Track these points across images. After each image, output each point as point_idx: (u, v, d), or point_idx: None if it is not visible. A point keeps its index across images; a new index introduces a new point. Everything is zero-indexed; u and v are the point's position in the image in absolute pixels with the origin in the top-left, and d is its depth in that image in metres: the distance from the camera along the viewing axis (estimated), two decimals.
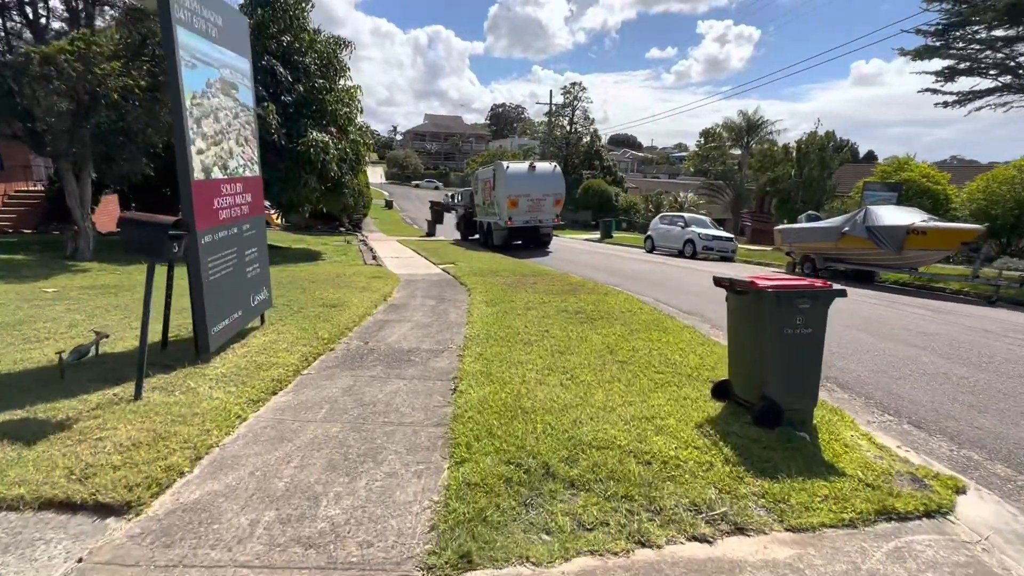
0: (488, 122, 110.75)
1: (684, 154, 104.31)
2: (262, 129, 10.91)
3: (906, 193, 17.61)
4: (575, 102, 46.05)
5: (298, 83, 11.81)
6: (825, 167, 20.66)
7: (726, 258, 18.24)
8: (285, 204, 13.66)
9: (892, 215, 11.86)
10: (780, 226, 15.47)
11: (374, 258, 13.88)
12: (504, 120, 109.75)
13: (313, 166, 11.57)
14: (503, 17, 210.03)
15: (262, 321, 5.73)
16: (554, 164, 19.68)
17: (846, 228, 12.30)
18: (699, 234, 18.11)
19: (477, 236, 21.60)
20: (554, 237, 32.74)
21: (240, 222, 4.73)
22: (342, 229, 22.94)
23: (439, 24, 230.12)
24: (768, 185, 22.40)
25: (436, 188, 67.77)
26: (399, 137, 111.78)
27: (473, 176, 22.67)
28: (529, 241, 19.35)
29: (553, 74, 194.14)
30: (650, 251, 20.89)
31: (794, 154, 21.64)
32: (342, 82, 13.10)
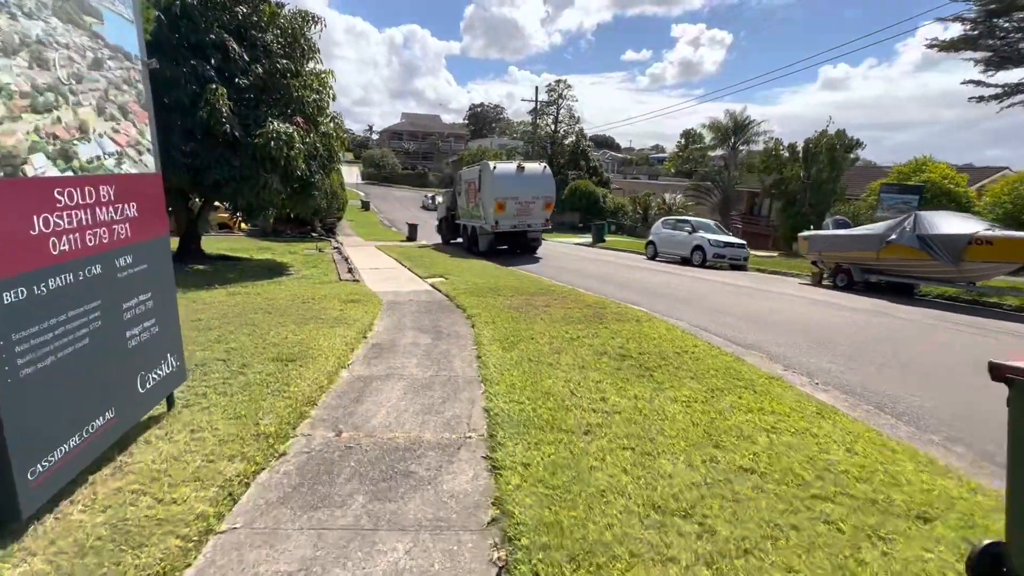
0: (467, 122, 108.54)
1: (663, 155, 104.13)
2: (210, 118, 8.92)
3: (927, 195, 16.42)
4: (560, 100, 44.51)
5: (256, 63, 9.79)
6: (835, 168, 19.40)
7: (737, 266, 16.77)
8: (244, 209, 11.61)
9: (948, 223, 10.46)
10: (807, 232, 14.05)
11: (350, 271, 11.93)
12: (483, 120, 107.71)
13: (275, 163, 9.57)
14: (479, 17, 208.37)
15: (169, 406, 3.68)
16: (543, 165, 18.55)
17: (892, 236, 10.86)
18: (709, 240, 16.59)
19: (460, 240, 20.29)
20: (543, 241, 31.16)
21: (107, 255, 2.80)
22: (314, 234, 20.79)
23: (415, 23, 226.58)
24: (773, 187, 21.05)
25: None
26: (375, 137, 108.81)
27: (456, 176, 21.71)
28: (516, 247, 18.16)
29: (530, 75, 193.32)
30: (652, 258, 19.33)
31: (801, 154, 20.29)
32: (311, 65, 11.11)
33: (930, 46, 15.58)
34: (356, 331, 6.18)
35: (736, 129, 45.54)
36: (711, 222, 18.33)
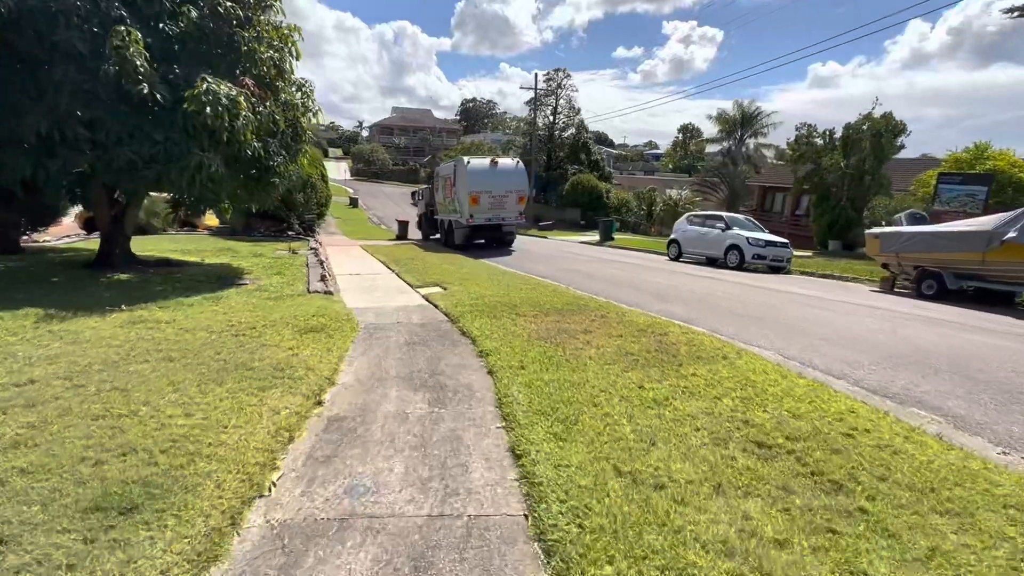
0: (458, 117, 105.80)
1: (657, 152, 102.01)
2: (120, 73, 6.45)
3: (996, 185, 14.26)
4: (559, 90, 42.06)
5: (190, 4, 7.30)
6: (881, 157, 17.18)
7: (777, 268, 14.50)
8: (185, 201, 9.12)
9: None
10: (879, 230, 11.78)
11: (323, 279, 9.49)
12: (475, 116, 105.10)
13: (215, 137, 7.11)
14: (470, 13, 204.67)
15: None
16: (517, 160, 18.91)
17: (1011, 234, 8.62)
18: (748, 239, 14.29)
19: (439, 236, 20.39)
20: (546, 239, 28.81)
21: None
22: (290, 233, 18.27)
23: (405, 19, 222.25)
24: (808, 179, 18.80)
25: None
26: (365, 133, 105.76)
27: (435, 172, 21.79)
28: (492, 240, 18.32)
29: (521, 71, 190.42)
30: (675, 258, 17.02)
31: (840, 142, 18.05)
32: (269, 16, 8.63)
33: (1008, 10, 13.47)
34: (305, 393, 3.77)
35: (744, 121, 43.42)
36: (745, 217, 16.06)
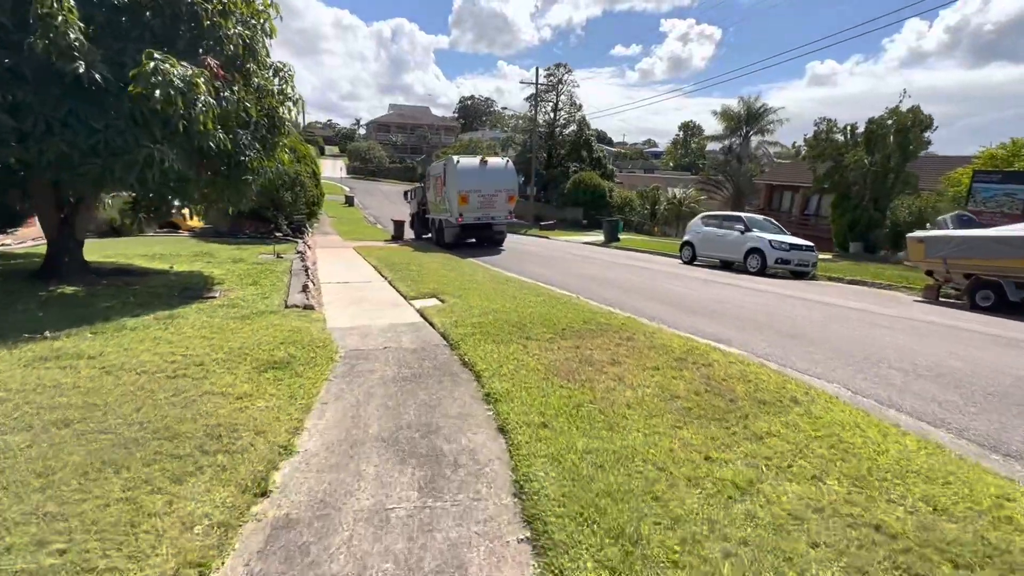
0: (456, 115, 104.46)
1: (656, 150, 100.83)
2: (50, 48, 5.34)
3: None
4: (559, 85, 40.87)
5: None
6: (907, 153, 16.10)
7: (801, 274, 13.42)
8: (138, 200, 8.02)
9: None
10: (922, 233, 10.69)
11: (304, 289, 8.36)
12: (473, 113, 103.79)
13: (170, 127, 5.99)
14: (468, 11, 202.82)
15: None
16: (507, 159, 19.12)
17: None
18: (770, 241, 13.20)
19: (430, 235, 20.62)
20: (548, 240, 27.69)
21: None
22: (277, 235, 17.12)
23: (403, 17, 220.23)
24: (827, 177, 17.73)
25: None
26: (362, 131, 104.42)
27: (426, 171, 22.07)
28: (482, 239, 18.53)
29: (519, 69, 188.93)
30: (689, 261, 15.94)
31: (863, 137, 16.97)
32: None
33: None
34: (243, 480, 2.65)
35: (749, 117, 42.35)
36: (764, 218, 14.98)
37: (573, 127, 41.32)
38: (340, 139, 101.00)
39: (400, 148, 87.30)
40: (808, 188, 32.96)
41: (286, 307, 7.27)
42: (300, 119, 8.48)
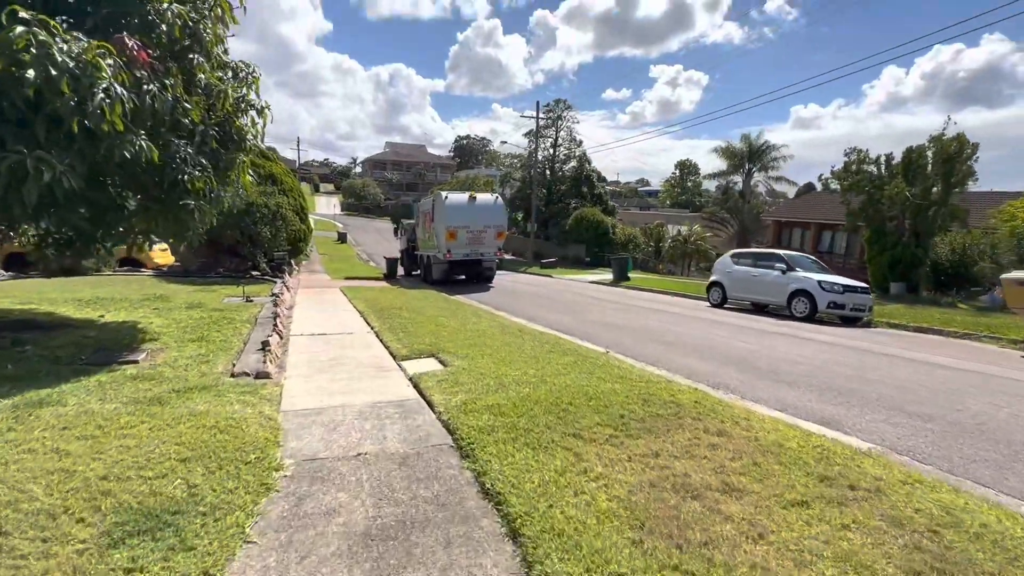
0: (452, 154, 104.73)
1: (649, 189, 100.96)
2: None
3: None
4: (559, 122, 40.09)
5: None
6: (953, 184, 14.65)
7: (854, 319, 11.63)
8: (45, 235, 6.18)
9: None
10: (1020, 274, 9.00)
11: (265, 347, 6.42)
12: (468, 152, 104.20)
13: (59, 124, 4.20)
14: (464, 57, 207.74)
15: None
16: (496, 195, 18.94)
17: None
18: (820, 282, 11.45)
19: (419, 272, 20.27)
20: (551, 278, 25.95)
21: None
22: (255, 273, 15.23)
23: (400, 62, 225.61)
24: (862, 211, 16.21)
25: None
26: (358, 169, 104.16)
27: (415, 208, 22.19)
28: (472, 276, 18.16)
29: (513, 112, 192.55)
30: (718, 304, 14.14)
31: (900, 168, 15.55)
32: None
33: None
34: None
35: (751, 154, 41.66)
36: (804, 256, 13.30)
37: (573, 163, 40.37)
38: (336, 176, 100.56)
39: (396, 186, 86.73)
40: (822, 224, 31.75)
41: (231, 376, 5.33)
42: (262, 131, 6.68)
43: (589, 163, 39.52)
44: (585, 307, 13.28)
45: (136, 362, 5.51)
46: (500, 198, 18.62)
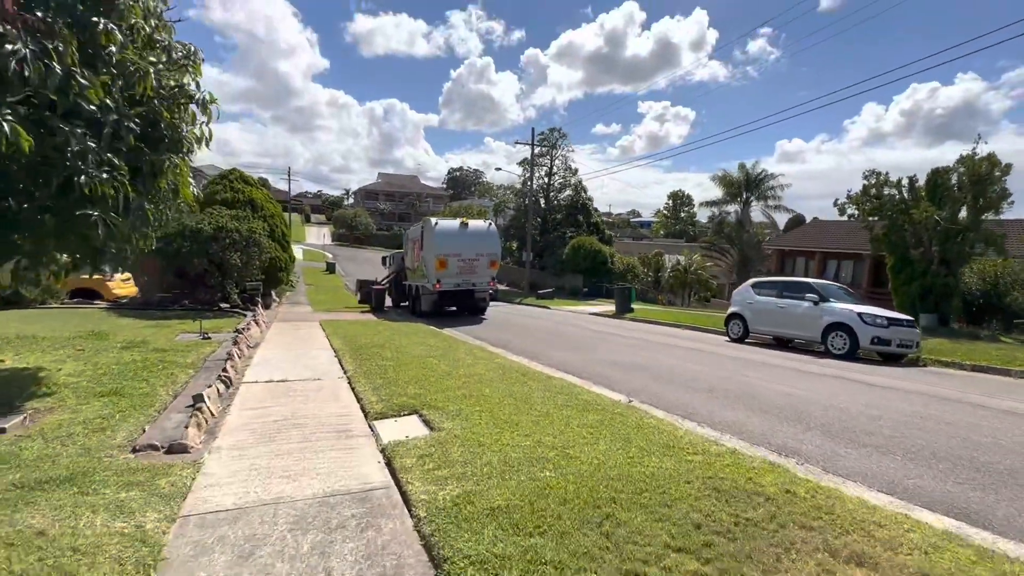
0: (445, 186, 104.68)
1: (640, 220, 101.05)
2: None
3: None
4: (553, 151, 39.44)
5: None
6: (983, 206, 13.59)
7: (895, 356, 10.28)
8: None
9: None
10: None
11: (198, 403, 4.92)
12: (461, 184, 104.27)
13: None
14: (457, 93, 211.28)
15: None
16: (489, 222, 18.00)
17: None
18: (861, 315, 10.12)
19: (408, 304, 19.09)
20: (548, 310, 24.55)
21: None
22: (224, 305, 13.71)
23: (394, 97, 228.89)
24: (885, 237, 15.09)
25: None
26: (350, 200, 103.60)
27: (404, 236, 21.21)
28: (464, 307, 17.00)
29: (505, 145, 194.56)
30: (738, 338, 12.76)
31: (924, 191, 14.52)
32: None
33: None
34: None
35: (748, 184, 41.11)
36: (836, 285, 12.03)
37: (568, 191, 39.54)
38: (327, 207, 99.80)
39: (388, 216, 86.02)
40: (827, 253, 30.80)
41: (133, 451, 3.83)
42: (208, 132, 5.32)
43: (585, 191, 38.74)
44: (591, 343, 11.84)
45: (3, 430, 3.99)
46: (494, 224, 17.59)
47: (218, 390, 5.68)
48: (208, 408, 4.93)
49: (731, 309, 12.99)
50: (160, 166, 5.12)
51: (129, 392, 5.21)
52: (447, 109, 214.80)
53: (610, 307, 23.71)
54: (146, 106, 4.85)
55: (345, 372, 7.24)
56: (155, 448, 3.92)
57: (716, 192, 42.46)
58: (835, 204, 16.71)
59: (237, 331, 9.90)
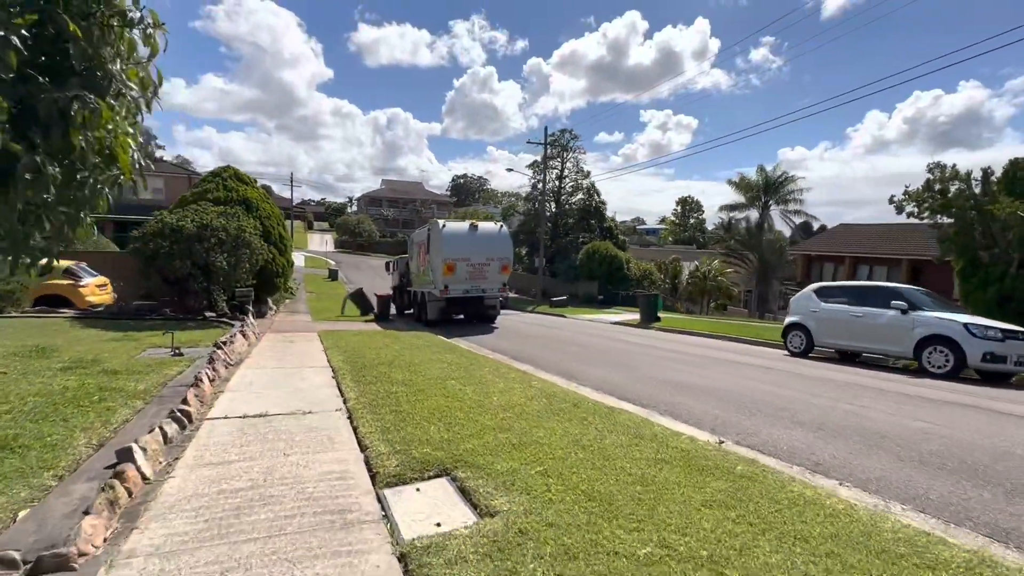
0: (449, 193, 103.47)
1: (645, 227, 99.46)
2: None
3: None
4: (565, 152, 37.93)
5: None
6: None
7: (1004, 375, 8.56)
8: None
9: None
10: None
11: (115, 468, 3.29)
12: (465, 191, 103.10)
13: None
14: (460, 102, 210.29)
15: None
16: (500, 224, 16.83)
17: None
18: (968, 326, 8.41)
19: (412, 311, 18.09)
20: (564, 318, 22.89)
21: None
22: (210, 315, 12.08)
23: (398, 107, 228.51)
24: (956, 238, 13.38)
25: None
26: (354, 207, 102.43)
27: (408, 240, 19.81)
28: (473, 315, 15.94)
29: (508, 154, 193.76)
30: (800, 352, 11.06)
31: (996, 185, 12.83)
32: None
33: None
34: None
35: (767, 187, 39.47)
36: (917, 289, 10.32)
37: (580, 195, 37.95)
38: (330, 214, 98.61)
39: (392, 222, 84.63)
40: (857, 257, 29.03)
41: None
42: (157, 77, 3.69)
43: (598, 194, 37.10)
44: (629, 357, 10.17)
45: None
46: (505, 227, 16.41)
47: (164, 435, 4.02)
48: (137, 471, 3.27)
49: (790, 318, 11.28)
50: (66, 108, 3.41)
51: (27, 443, 3.57)
52: (450, 118, 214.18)
53: (631, 316, 22.03)
54: (44, 10, 3.19)
55: (345, 401, 5.58)
56: (11, 566, 2.26)
57: (719, 200, 41.17)
58: (891, 201, 15.02)
59: (217, 345, 8.25)
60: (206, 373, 6.29)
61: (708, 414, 5.83)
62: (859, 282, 10.43)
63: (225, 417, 4.91)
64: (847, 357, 10.95)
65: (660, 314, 19.95)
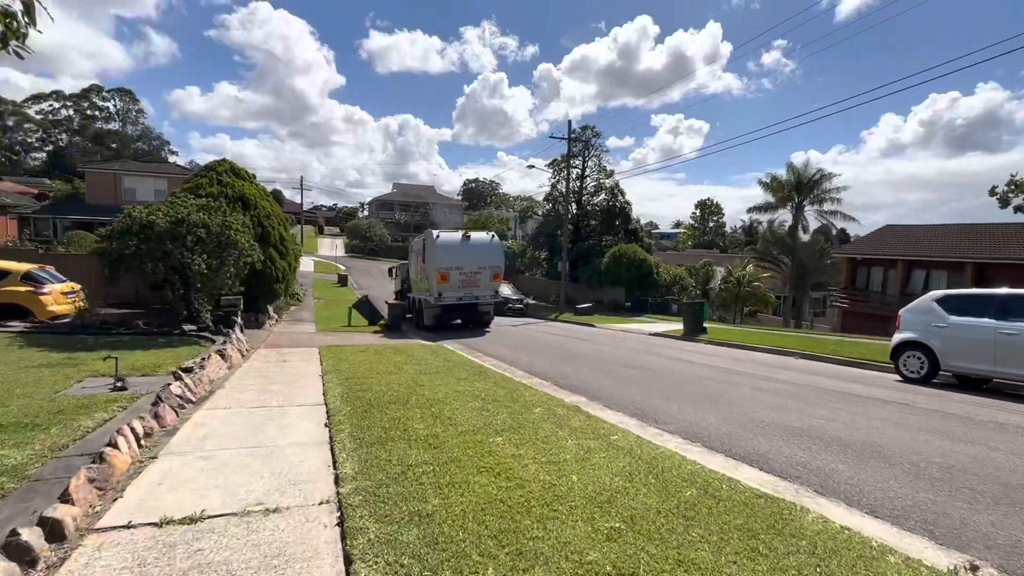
0: (461, 198, 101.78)
1: (661, 231, 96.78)
2: None
3: None
4: (587, 151, 35.83)
5: None
6: None
7: None
8: None
9: None
10: None
11: None
12: (477, 195, 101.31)
13: None
14: (470, 108, 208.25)
15: None
16: (492, 234, 17.18)
17: None
18: None
19: (411, 316, 18.42)
20: (594, 327, 20.73)
21: None
22: (189, 327, 10.08)
23: (408, 113, 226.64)
24: None
25: None
26: (365, 211, 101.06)
27: (409, 247, 20.77)
28: (468, 321, 16.81)
29: (518, 159, 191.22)
30: (919, 378, 8.82)
31: None
32: None
33: None
34: None
35: (800, 186, 36.97)
36: None
37: (603, 195, 35.77)
38: (341, 218, 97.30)
39: (403, 227, 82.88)
40: (912, 261, 26.36)
41: None
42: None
43: (623, 194, 34.88)
44: (703, 385, 8.02)
45: None
46: (497, 237, 16.96)
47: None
48: None
49: (904, 335, 9.01)
50: None
51: None
52: (460, 124, 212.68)
53: (669, 325, 19.81)
54: None
55: (337, 485, 3.50)
56: None
57: (732, 204, 38.65)
58: (991, 192, 12.77)
59: (176, 375, 6.22)
60: (139, 426, 4.24)
61: (898, 498, 3.72)
62: (1004, 290, 8.16)
63: (127, 526, 2.84)
64: (970, 384, 8.70)
65: (705, 324, 17.68)
